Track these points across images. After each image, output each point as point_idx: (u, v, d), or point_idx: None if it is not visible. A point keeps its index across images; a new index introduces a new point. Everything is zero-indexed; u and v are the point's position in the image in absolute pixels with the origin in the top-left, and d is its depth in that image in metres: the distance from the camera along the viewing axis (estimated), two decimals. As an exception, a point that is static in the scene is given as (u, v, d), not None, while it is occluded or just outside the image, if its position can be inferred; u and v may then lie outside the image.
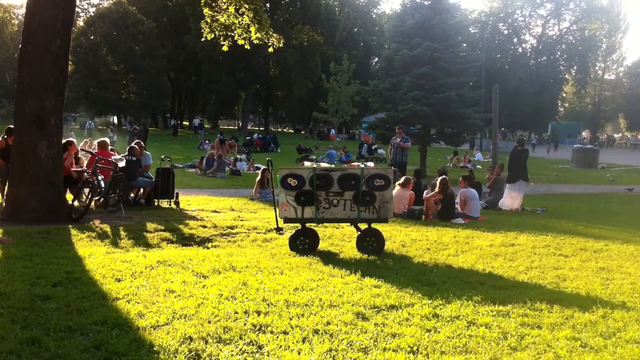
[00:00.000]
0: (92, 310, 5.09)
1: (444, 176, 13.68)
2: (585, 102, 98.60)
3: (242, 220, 11.51)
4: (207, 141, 41.01)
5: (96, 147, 13.77)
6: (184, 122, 78.27)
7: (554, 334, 4.99)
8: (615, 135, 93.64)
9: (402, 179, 13.77)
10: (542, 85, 76.46)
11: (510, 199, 15.92)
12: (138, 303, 5.36)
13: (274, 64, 68.41)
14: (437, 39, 26.32)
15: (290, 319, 5.04)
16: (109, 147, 14.40)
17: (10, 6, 73.84)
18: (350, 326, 4.96)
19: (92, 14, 69.63)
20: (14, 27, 70.18)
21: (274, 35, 14.81)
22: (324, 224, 9.68)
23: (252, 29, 14.48)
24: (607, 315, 5.62)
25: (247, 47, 14.96)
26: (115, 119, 73.22)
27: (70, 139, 14.26)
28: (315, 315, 5.21)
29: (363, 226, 8.87)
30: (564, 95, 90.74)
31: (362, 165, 9.28)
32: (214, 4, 14.80)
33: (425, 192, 14.01)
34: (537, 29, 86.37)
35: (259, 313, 5.14)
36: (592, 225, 12.85)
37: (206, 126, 76.44)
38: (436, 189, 13.06)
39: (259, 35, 14.49)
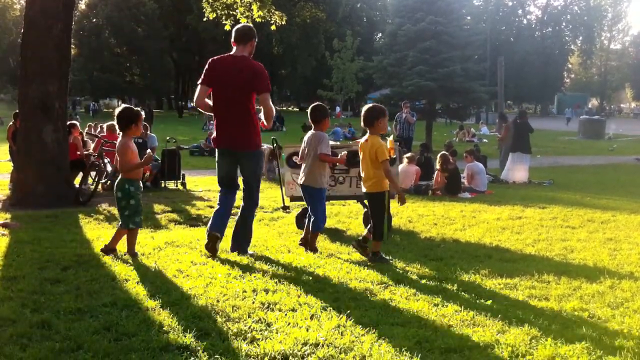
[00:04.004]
0: (101, 292, 5.11)
1: (442, 152, 13.64)
2: (592, 73, 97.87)
3: (248, 199, 11.49)
4: (211, 121, 40.82)
5: (105, 131, 13.79)
6: (191, 104, 78.04)
7: (561, 306, 4.99)
8: (622, 106, 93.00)
9: (408, 154, 13.77)
10: (547, 57, 75.89)
11: (512, 171, 15.95)
12: (147, 284, 5.39)
13: (277, 42, 67.99)
14: (441, 13, 26.13)
15: (299, 297, 5.06)
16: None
17: (11, -9, 73.55)
18: (358, 302, 4.98)
19: (94, -3, 69.30)
20: (15, 12, 69.96)
21: (277, 12, 14.72)
22: (331, 201, 9.67)
23: (254, 7, 14.39)
24: (614, 285, 5.62)
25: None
26: (120, 103, 73.11)
27: (73, 121, 14.28)
28: (323, 292, 5.23)
29: (369, 203, 8.84)
30: (570, 66, 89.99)
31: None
32: (215, -17, 14.73)
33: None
34: (541, 0, 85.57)
35: (267, 291, 5.15)
36: (599, 197, 12.81)
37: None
38: (438, 167, 13.04)
39: (261, 14, 14.40)
